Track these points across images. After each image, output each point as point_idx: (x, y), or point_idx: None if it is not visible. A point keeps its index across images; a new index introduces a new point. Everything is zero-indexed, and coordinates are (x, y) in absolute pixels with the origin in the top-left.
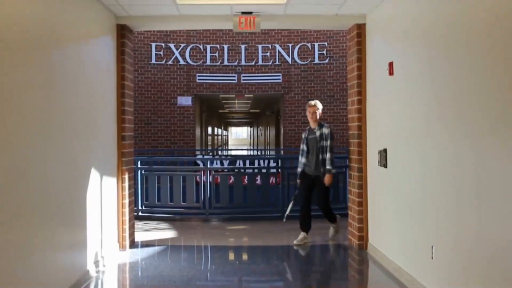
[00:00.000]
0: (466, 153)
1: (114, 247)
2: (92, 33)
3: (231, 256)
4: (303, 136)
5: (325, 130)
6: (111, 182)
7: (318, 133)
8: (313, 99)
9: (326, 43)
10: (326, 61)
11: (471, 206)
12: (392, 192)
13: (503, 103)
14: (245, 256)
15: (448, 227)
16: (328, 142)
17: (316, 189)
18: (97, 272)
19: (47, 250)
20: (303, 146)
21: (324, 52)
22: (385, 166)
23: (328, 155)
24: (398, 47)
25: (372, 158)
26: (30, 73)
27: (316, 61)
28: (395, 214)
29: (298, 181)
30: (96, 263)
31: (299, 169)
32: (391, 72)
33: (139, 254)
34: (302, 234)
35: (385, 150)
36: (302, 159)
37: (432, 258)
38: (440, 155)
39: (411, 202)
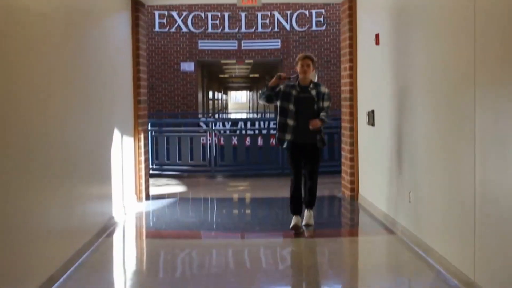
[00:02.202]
0: (434, 111)
1: (132, 199)
2: (112, 9)
3: (235, 206)
4: (285, 91)
5: (323, 89)
6: (129, 142)
7: (314, 92)
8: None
9: (323, 11)
10: (323, 27)
11: (442, 156)
12: (378, 148)
13: (460, 61)
14: (248, 206)
15: (423, 175)
16: (327, 103)
17: (306, 162)
18: (120, 218)
19: (85, 201)
20: (289, 105)
21: (321, 19)
22: (373, 125)
23: (322, 114)
24: (383, 20)
25: (361, 118)
26: (69, 45)
27: (314, 27)
28: (381, 167)
29: (286, 150)
30: (119, 211)
31: (286, 136)
32: (377, 42)
33: (154, 204)
34: (296, 218)
35: (372, 111)
36: (290, 122)
37: (410, 201)
38: (416, 114)
39: (393, 155)
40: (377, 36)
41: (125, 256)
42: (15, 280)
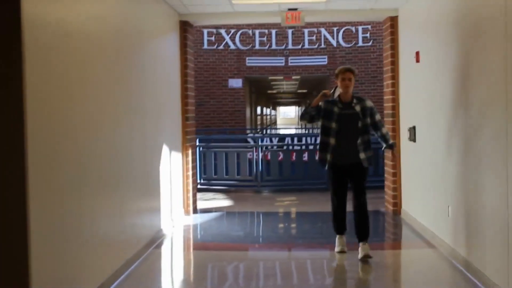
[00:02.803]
0: (477, 126)
1: (180, 212)
2: (161, 30)
3: (280, 219)
4: (326, 108)
5: (369, 103)
6: (177, 157)
7: (358, 108)
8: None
9: (369, 27)
10: (370, 43)
11: (478, 170)
12: (419, 163)
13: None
14: (292, 220)
15: (461, 191)
16: (377, 116)
17: (351, 184)
18: (168, 231)
19: (134, 213)
20: (331, 124)
21: (368, 35)
22: (414, 141)
23: (384, 130)
24: (424, 38)
25: (403, 134)
26: (122, 67)
27: (360, 43)
28: (422, 182)
29: (328, 171)
30: (167, 224)
31: (327, 157)
32: (417, 60)
33: (201, 218)
34: (340, 240)
35: (414, 127)
36: (332, 141)
37: (448, 216)
38: (462, 130)
39: (433, 171)
40: (417, 53)
41: (172, 267)
42: (68, 287)
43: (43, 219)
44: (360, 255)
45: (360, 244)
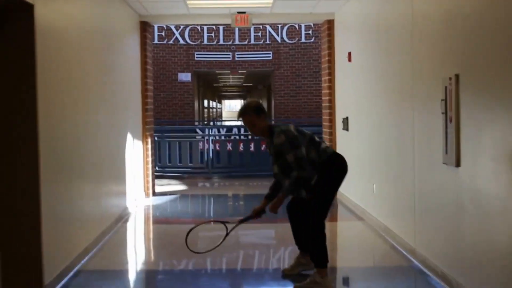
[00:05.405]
0: (392, 117)
1: (141, 194)
2: (125, 29)
3: (230, 200)
4: (306, 136)
5: (276, 140)
6: (138, 145)
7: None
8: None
9: (311, 24)
10: (312, 40)
11: (395, 154)
12: (352, 150)
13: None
14: (240, 200)
15: (384, 170)
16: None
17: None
18: (133, 210)
19: (107, 195)
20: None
21: (310, 32)
22: (347, 130)
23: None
24: (354, 39)
25: (338, 124)
26: (95, 63)
27: (303, 40)
28: (353, 165)
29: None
30: (131, 204)
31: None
32: (349, 60)
33: (159, 200)
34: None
35: (346, 118)
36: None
37: (374, 192)
38: (381, 120)
39: (363, 155)
40: (349, 54)
41: (139, 237)
42: (62, 249)
43: (50, 201)
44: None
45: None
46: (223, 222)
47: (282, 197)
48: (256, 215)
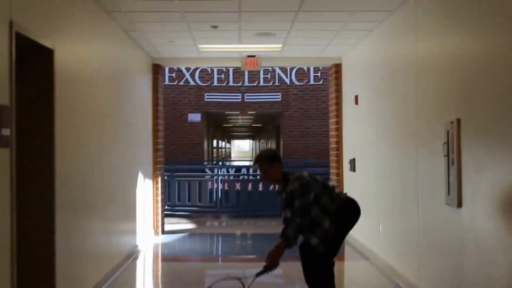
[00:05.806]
0: (397, 159)
1: (151, 232)
2: (140, 72)
3: (237, 239)
4: (318, 182)
5: (289, 187)
6: (149, 184)
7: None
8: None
9: (320, 67)
10: (320, 82)
11: (400, 194)
12: (358, 189)
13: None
14: (248, 239)
15: (390, 210)
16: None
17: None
18: (142, 247)
19: (117, 232)
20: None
21: (319, 74)
22: (354, 170)
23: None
24: (360, 83)
25: (345, 165)
26: (109, 103)
27: (312, 82)
28: (360, 205)
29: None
30: (141, 241)
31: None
32: (356, 102)
33: (168, 237)
34: None
35: (353, 159)
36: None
37: (380, 232)
38: (386, 162)
39: (369, 195)
40: (356, 97)
41: (148, 274)
42: (74, 282)
43: (64, 236)
44: None
45: None
46: (238, 279)
47: (282, 245)
48: (270, 268)
